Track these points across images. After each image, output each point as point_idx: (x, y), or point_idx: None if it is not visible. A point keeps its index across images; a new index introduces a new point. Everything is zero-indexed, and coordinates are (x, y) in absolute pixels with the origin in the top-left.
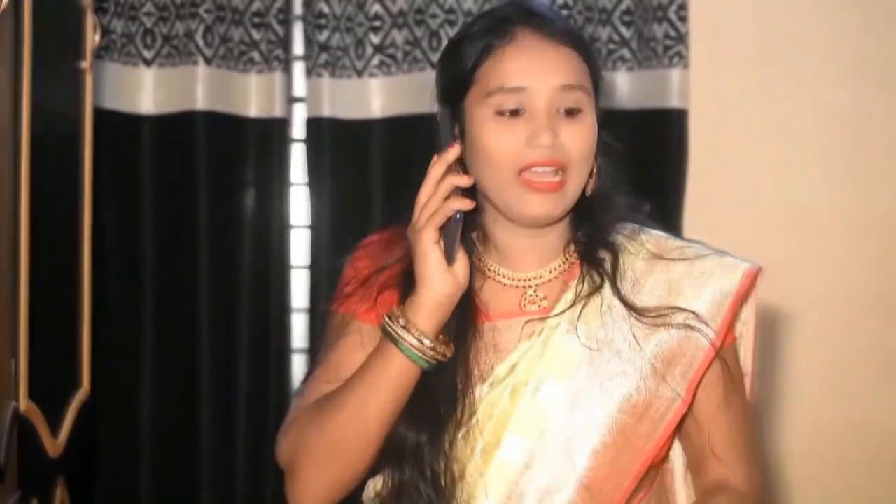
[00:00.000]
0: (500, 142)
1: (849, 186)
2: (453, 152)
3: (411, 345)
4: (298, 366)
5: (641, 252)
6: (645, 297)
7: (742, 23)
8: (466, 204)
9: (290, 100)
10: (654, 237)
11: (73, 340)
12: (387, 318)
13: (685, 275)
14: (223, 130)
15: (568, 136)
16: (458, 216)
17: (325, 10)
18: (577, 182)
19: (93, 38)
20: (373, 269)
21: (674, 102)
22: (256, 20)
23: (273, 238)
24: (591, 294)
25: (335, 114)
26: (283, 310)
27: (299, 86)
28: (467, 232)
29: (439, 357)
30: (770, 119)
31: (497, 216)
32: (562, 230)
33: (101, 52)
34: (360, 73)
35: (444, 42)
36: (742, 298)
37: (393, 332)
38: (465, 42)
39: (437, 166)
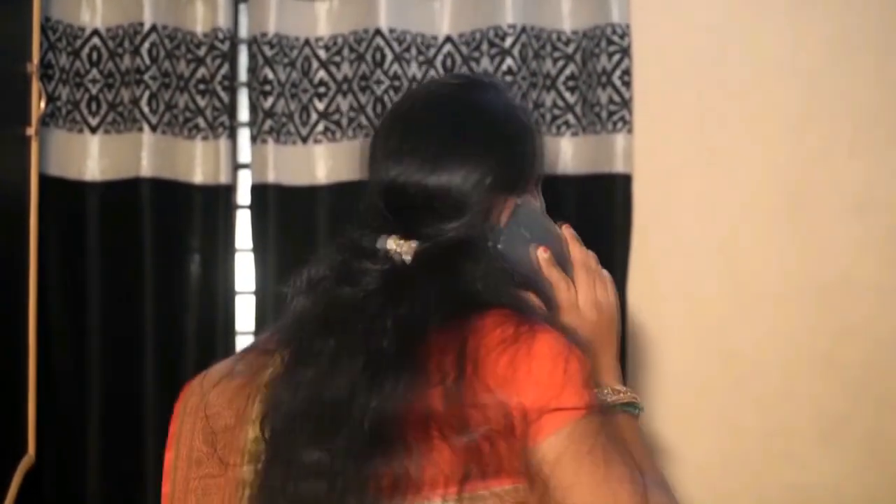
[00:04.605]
0: None
1: (792, 251)
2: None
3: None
4: None
5: None
6: None
7: (686, 88)
8: None
9: (236, 166)
10: None
11: (18, 407)
12: (613, 394)
13: None
14: (168, 197)
15: None
16: None
17: (270, 76)
18: None
19: (38, 105)
20: None
21: (618, 168)
22: (201, 87)
23: (219, 304)
24: None
25: (280, 180)
26: None
27: (244, 152)
28: None
29: None
30: (714, 184)
31: None
32: None
33: (46, 119)
34: (304, 140)
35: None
36: None
37: (634, 400)
38: (534, 132)
39: (577, 243)
